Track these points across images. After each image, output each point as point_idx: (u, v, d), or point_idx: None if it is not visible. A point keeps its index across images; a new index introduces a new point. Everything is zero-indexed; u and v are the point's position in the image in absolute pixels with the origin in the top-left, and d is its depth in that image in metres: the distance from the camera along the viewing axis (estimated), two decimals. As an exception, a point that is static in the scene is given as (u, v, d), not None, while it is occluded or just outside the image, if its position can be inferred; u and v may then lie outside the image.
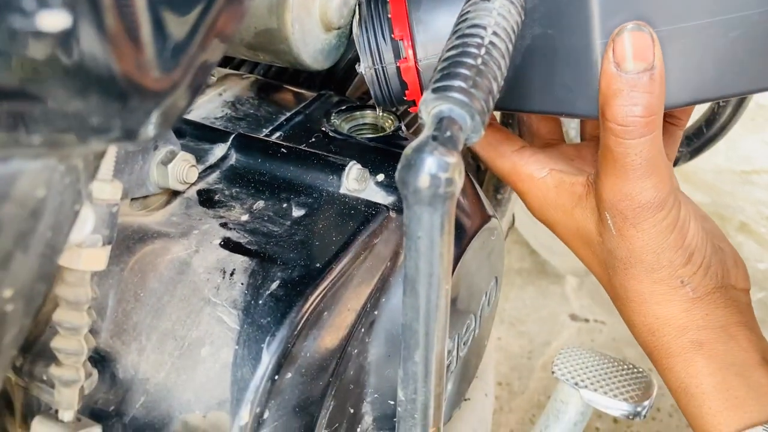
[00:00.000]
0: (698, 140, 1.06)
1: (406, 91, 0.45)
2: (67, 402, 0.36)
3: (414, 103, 0.47)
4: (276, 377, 0.37)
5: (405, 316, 0.28)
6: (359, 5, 0.46)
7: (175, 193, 0.44)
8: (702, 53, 0.38)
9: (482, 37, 0.31)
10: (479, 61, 0.30)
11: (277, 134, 0.52)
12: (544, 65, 0.41)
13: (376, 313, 0.42)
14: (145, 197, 0.43)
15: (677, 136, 0.50)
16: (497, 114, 0.67)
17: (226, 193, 0.45)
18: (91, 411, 0.39)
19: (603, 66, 0.38)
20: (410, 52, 0.44)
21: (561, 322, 1.44)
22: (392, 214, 0.44)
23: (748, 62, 0.39)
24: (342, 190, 0.45)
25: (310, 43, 0.50)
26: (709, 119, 1.05)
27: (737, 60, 0.38)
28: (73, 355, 0.35)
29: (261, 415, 0.37)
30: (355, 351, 0.41)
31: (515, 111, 0.50)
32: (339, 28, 0.52)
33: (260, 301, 0.38)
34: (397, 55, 0.44)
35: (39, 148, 0.21)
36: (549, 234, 0.50)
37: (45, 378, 0.38)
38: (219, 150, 0.48)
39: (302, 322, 0.38)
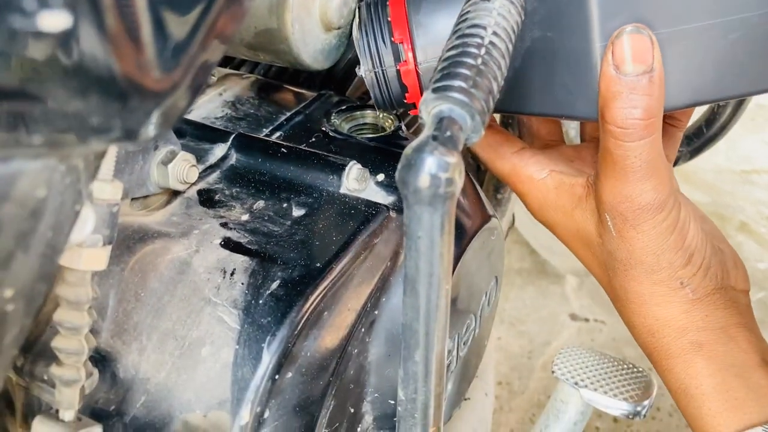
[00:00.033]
0: (698, 140, 1.06)
1: (406, 94, 0.46)
2: (67, 402, 0.36)
3: (414, 106, 0.47)
4: (276, 377, 0.37)
5: (405, 315, 0.28)
6: (359, 8, 0.46)
7: (175, 193, 0.44)
8: (701, 55, 0.38)
9: (482, 37, 0.31)
10: (479, 61, 0.30)
11: (278, 134, 0.52)
12: (544, 68, 0.41)
13: (376, 312, 0.42)
14: (146, 197, 0.43)
15: (677, 138, 0.50)
16: (497, 116, 0.67)
17: (227, 192, 0.45)
18: (92, 411, 0.39)
19: (602, 68, 0.38)
20: (410, 55, 0.44)
21: (561, 321, 1.44)
22: (392, 214, 0.44)
23: (748, 64, 0.39)
24: (342, 190, 0.45)
25: (310, 43, 0.50)
26: (709, 119, 1.05)
27: (737, 62, 0.38)
28: (73, 354, 0.35)
29: (261, 414, 0.37)
30: (356, 350, 0.41)
31: (515, 113, 0.50)
32: (339, 28, 0.52)
33: (261, 301, 0.38)
34: (397, 58, 0.45)
35: (39, 148, 0.21)
36: (549, 234, 0.50)
37: (46, 378, 0.38)
38: (219, 150, 0.48)
39: (303, 321, 0.38)
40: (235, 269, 0.40)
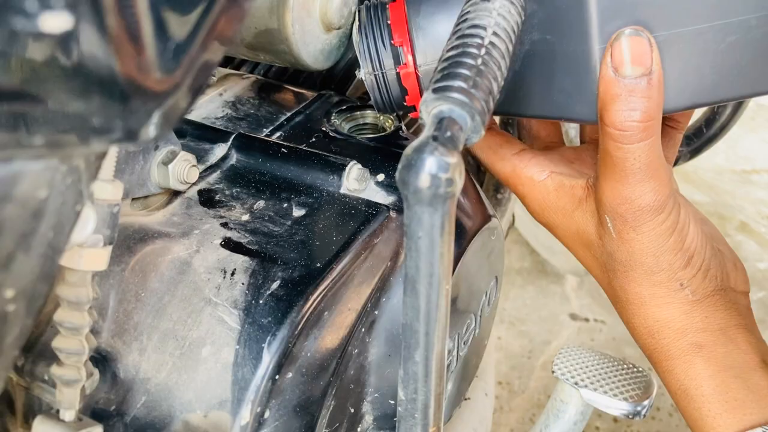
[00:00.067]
0: (698, 140, 1.06)
1: (406, 97, 0.46)
2: (68, 402, 0.36)
3: (414, 109, 0.47)
4: (277, 377, 0.37)
5: (405, 315, 0.28)
6: (359, 11, 0.46)
7: (175, 193, 0.44)
8: (700, 58, 0.38)
9: (482, 38, 0.31)
10: (479, 61, 0.30)
11: (278, 134, 0.52)
12: (543, 70, 0.41)
13: (376, 312, 0.42)
14: (146, 197, 0.43)
15: (677, 139, 0.51)
16: (497, 117, 0.67)
17: (227, 192, 0.45)
18: (93, 411, 0.39)
19: (601, 71, 0.38)
20: (410, 57, 0.44)
21: (561, 321, 1.44)
22: (392, 214, 0.45)
23: (747, 66, 0.39)
24: (342, 190, 0.45)
25: (310, 43, 0.50)
26: (709, 119, 1.05)
27: (735, 64, 0.38)
28: (74, 355, 0.35)
29: (262, 414, 0.37)
30: (356, 350, 0.41)
31: (515, 116, 0.50)
32: (339, 29, 0.52)
33: (261, 301, 0.38)
34: (396, 60, 0.45)
35: (40, 148, 0.21)
36: (549, 234, 0.50)
37: (46, 378, 0.38)
38: (219, 150, 0.48)
39: (303, 321, 0.38)
40: (235, 269, 0.40)
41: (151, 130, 0.22)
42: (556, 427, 0.59)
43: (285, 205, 0.44)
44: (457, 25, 0.33)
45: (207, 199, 0.45)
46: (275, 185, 0.46)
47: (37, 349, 0.40)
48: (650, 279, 0.43)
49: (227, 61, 0.65)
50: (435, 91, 0.28)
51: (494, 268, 0.55)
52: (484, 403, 0.65)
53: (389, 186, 0.46)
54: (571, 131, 0.94)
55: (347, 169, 0.45)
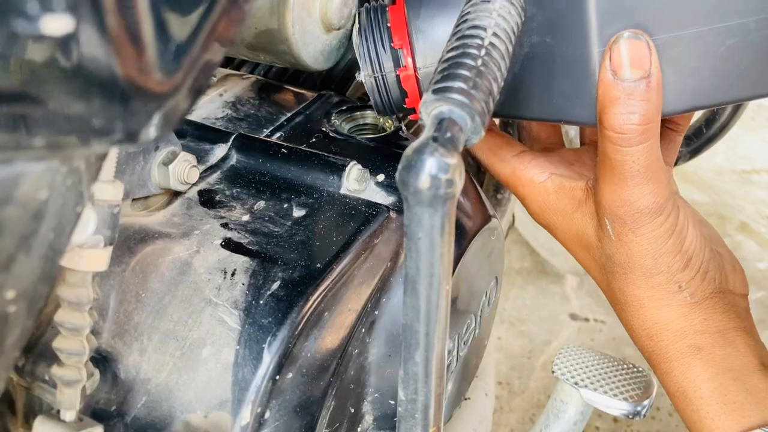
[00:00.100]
0: (698, 140, 1.06)
1: (406, 99, 0.46)
2: (68, 402, 0.36)
3: (414, 111, 0.47)
4: (277, 377, 0.37)
5: (405, 316, 0.28)
6: (359, 14, 0.46)
7: (176, 194, 0.44)
8: (699, 61, 0.38)
9: (482, 38, 0.31)
10: (479, 62, 0.30)
11: (278, 134, 0.52)
12: (543, 73, 0.41)
13: (376, 313, 0.42)
14: (147, 198, 0.44)
15: (676, 142, 0.51)
16: (497, 119, 0.67)
17: (227, 193, 0.45)
18: (93, 411, 0.39)
19: (600, 74, 0.38)
20: (409, 60, 0.44)
21: (561, 321, 1.44)
22: (392, 215, 0.45)
23: (746, 69, 0.39)
24: (342, 191, 0.45)
25: (310, 43, 0.50)
26: (709, 119, 1.05)
27: (734, 67, 0.38)
28: (74, 355, 0.35)
29: (262, 415, 0.37)
30: (356, 351, 0.41)
31: (514, 118, 0.51)
32: (339, 29, 0.52)
33: (261, 302, 0.38)
34: (396, 63, 0.45)
35: (41, 150, 0.21)
36: (549, 234, 0.50)
37: (47, 378, 0.38)
38: (220, 150, 0.48)
39: (303, 322, 0.38)
40: (235, 270, 0.40)
41: (151, 131, 0.22)
42: (556, 427, 0.59)
43: (285, 205, 0.44)
44: (457, 25, 0.33)
45: (207, 199, 0.45)
46: (275, 186, 0.46)
47: (37, 349, 0.40)
48: (649, 281, 0.43)
49: (227, 62, 0.65)
50: (435, 92, 0.28)
51: (494, 269, 0.55)
52: (484, 403, 0.65)
53: (389, 186, 0.46)
54: (571, 131, 0.94)
55: (347, 169, 0.45)
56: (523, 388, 1.30)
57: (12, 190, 0.22)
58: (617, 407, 0.54)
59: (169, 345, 0.39)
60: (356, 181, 0.46)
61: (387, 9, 0.45)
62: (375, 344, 0.42)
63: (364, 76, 0.46)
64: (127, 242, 0.41)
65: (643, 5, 0.37)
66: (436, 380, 0.30)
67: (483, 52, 0.30)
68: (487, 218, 0.51)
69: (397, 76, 0.45)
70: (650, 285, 0.43)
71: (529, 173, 0.47)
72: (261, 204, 0.45)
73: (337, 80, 0.65)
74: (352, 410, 0.42)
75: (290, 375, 0.37)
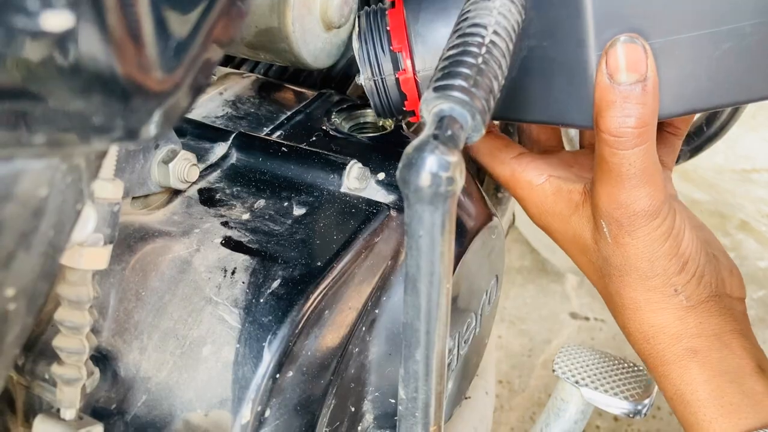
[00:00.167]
0: (698, 139, 1.06)
1: (405, 102, 0.46)
2: (68, 401, 0.36)
3: (413, 113, 0.47)
4: (277, 376, 0.37)
5: (406, 314, 0.28)
6: (358, 17, 0.47)
7: (176, 192, 0.44)
8: (695, 64, 0.38)
9: (483, 36, 0.31)
10: (480, 60, 0.30)
11: (278, 133, 0.52)
12: (540, 76, 0.41)
13: (377, 311, 0.42)
14: (147, 196, 0.43)
15: (676, 146, 0.51)
16: (497, 122, 0.67)
17: (227, 191, 0.45)
18: (93, 409, 0.39)
19: (597, 78, 0.38)
20: (409, 63, 0.44)
21: (561, 320, 1.44)
22: (393, 213, 0.45)
23: (741, 73, 0.39)
24: (343, 189, 0.45)
25: (310, 42, 0.50)
26: (709, 118, 1.05)
27: (730, 71, 0.39)
28: (74, 353, 0.35)
29: (262, 413, 0.37)
30: (356, 349, 0.41)
31: (513, 121, 0.51)
32: (339, 27, 0.52)
33: (261, 300, 0.38)
34: (396, 66, 0.45)
35: (41, 147, 0.21)
36: (548, 234, 0.50)
37: (47, 377, 0.38)
38: (220, 149, 0.48)
39: (303, 320, 0.38)
40: (236, 268, 0.40)
41: (151, 129, 0.22)
42: (556, 426, 0.59)
43: (285, 203, 0.44)
44: (457, 23, 0.33)
45: (207, 198, 0.45)
46: (276, 184, 0.46)
47: (37, 348, 0.40)
48: (645, 284, 0.43)
49: (227, 60, 0.65)
50: (436, 89, 0.28)
51: (495, 267, 0.55)
52: (484, 401, 0.65)
53: (390, 185, 0.46)
54: (571, 131, 0.94)
55: (348, 167, 0.45)
56: (524, 386, 1.30)
57: (12, 187, 0.22)
58: (618, 406, 0.54)
59: (170, 343, 0.39)
60: (357, 180, 0.46)
61: (386, 12, 0.45)
62: (375, 343, 0.42)
63: (363, 79, 0.46)
64: (127, 240, 0.41)
65: (640, 10, 0.37)
66: (436, 379, 0.30)
67: (484, 50, 0.30)
68: (487, 217, 0.51)
69: (397, 79, 0.45)
70: (646, 288, 0.43)
71: (528, 175, 0.47)
72: (261, 202, 0.45)
73: (338, 79, 0.65)
74: (353, 409, 0.42)
75: (290, 373, 0.37)
